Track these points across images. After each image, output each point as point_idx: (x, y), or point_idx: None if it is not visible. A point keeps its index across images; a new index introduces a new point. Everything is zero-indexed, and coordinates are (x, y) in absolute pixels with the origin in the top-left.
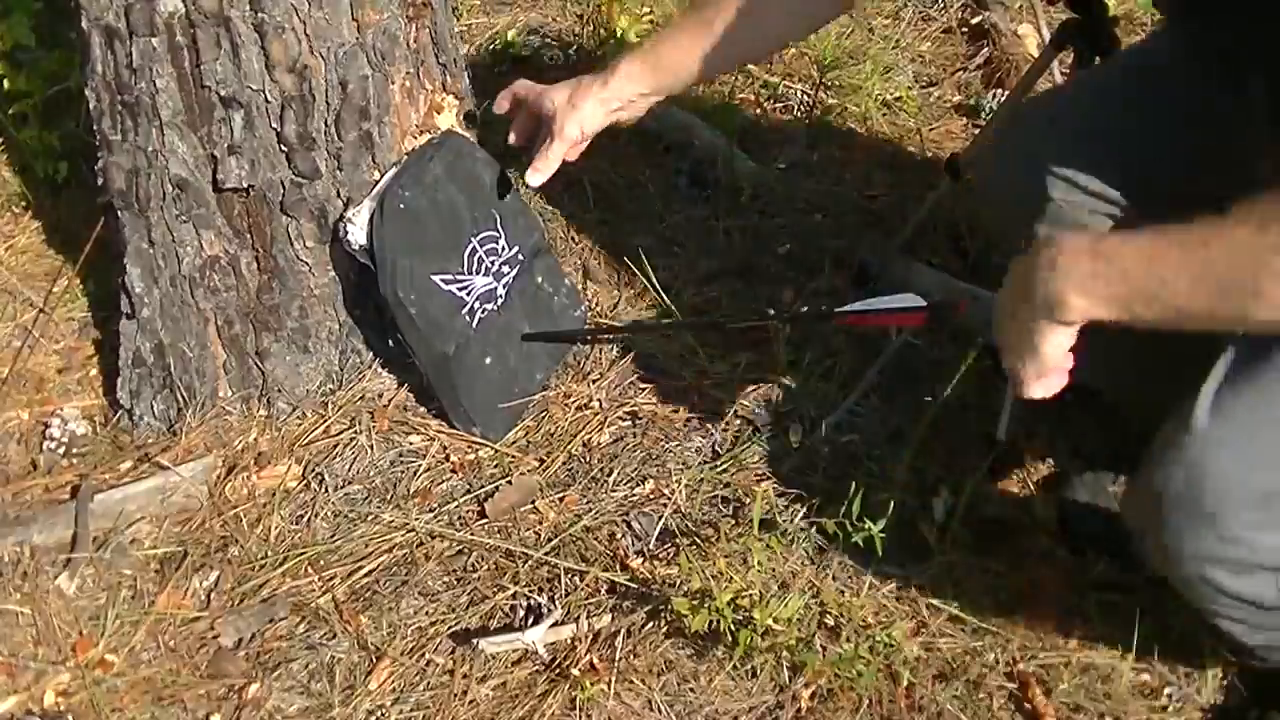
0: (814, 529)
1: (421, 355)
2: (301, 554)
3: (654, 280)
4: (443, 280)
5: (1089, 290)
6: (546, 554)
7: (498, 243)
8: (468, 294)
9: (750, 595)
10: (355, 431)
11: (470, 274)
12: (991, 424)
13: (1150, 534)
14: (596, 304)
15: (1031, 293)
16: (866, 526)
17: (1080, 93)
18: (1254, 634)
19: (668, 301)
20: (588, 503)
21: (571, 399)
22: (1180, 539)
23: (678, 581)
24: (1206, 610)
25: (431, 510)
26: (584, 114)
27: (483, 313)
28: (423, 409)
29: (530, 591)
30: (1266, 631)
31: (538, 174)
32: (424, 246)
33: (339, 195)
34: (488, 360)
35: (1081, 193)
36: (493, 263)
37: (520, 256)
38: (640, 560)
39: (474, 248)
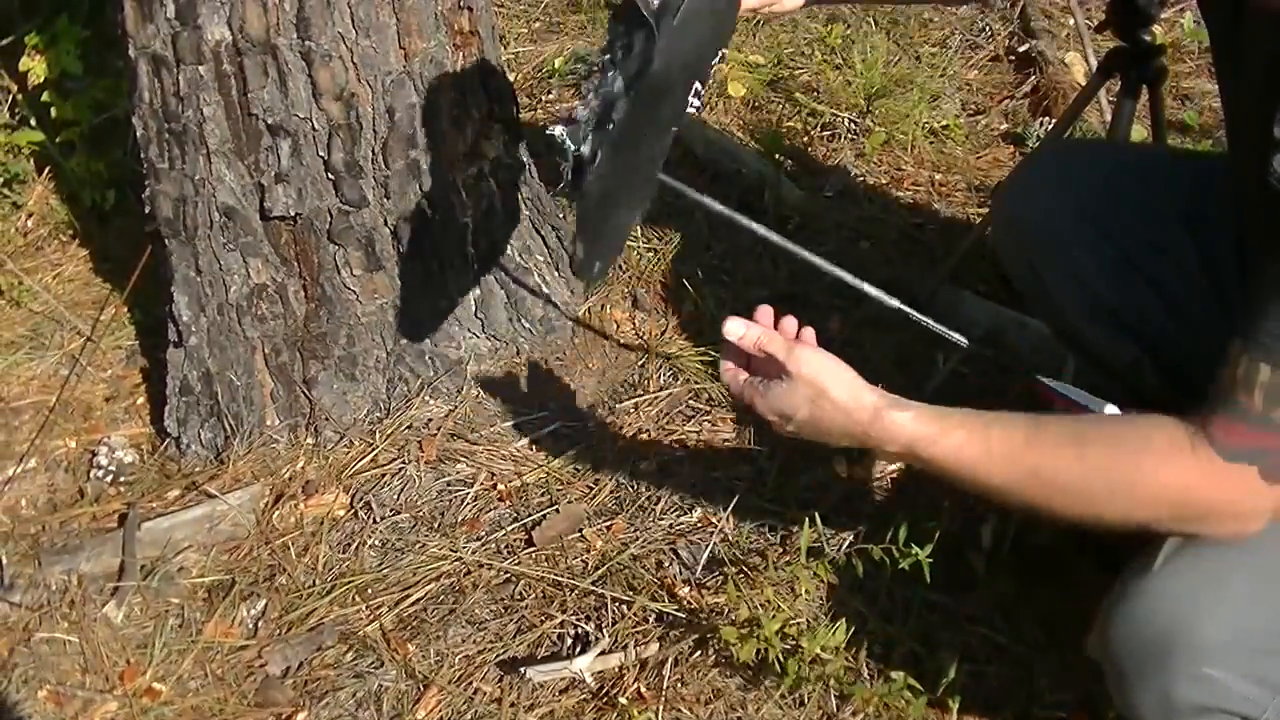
0: (862, 557)
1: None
2: (349, 583)
3: (708, 305)
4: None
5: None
6: (594, 582)
7: None
8: None
9: (798, 624)
10: (403, 460)
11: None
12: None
13: (1111, 676)
14: (646, 331)
15: (840, 436)
16: (914, 552)
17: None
18: None
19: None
20: (635, 531)
21: (620, 427)
22: (1142, 682)
23: (725, 610)
24: None
25: (479, 539)
26: None
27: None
28: (471, 436)
29: (578, 620)
30: None
31: None
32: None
33: (386, 223)
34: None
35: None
36: None
37: None
38: (688, 589)
39: None
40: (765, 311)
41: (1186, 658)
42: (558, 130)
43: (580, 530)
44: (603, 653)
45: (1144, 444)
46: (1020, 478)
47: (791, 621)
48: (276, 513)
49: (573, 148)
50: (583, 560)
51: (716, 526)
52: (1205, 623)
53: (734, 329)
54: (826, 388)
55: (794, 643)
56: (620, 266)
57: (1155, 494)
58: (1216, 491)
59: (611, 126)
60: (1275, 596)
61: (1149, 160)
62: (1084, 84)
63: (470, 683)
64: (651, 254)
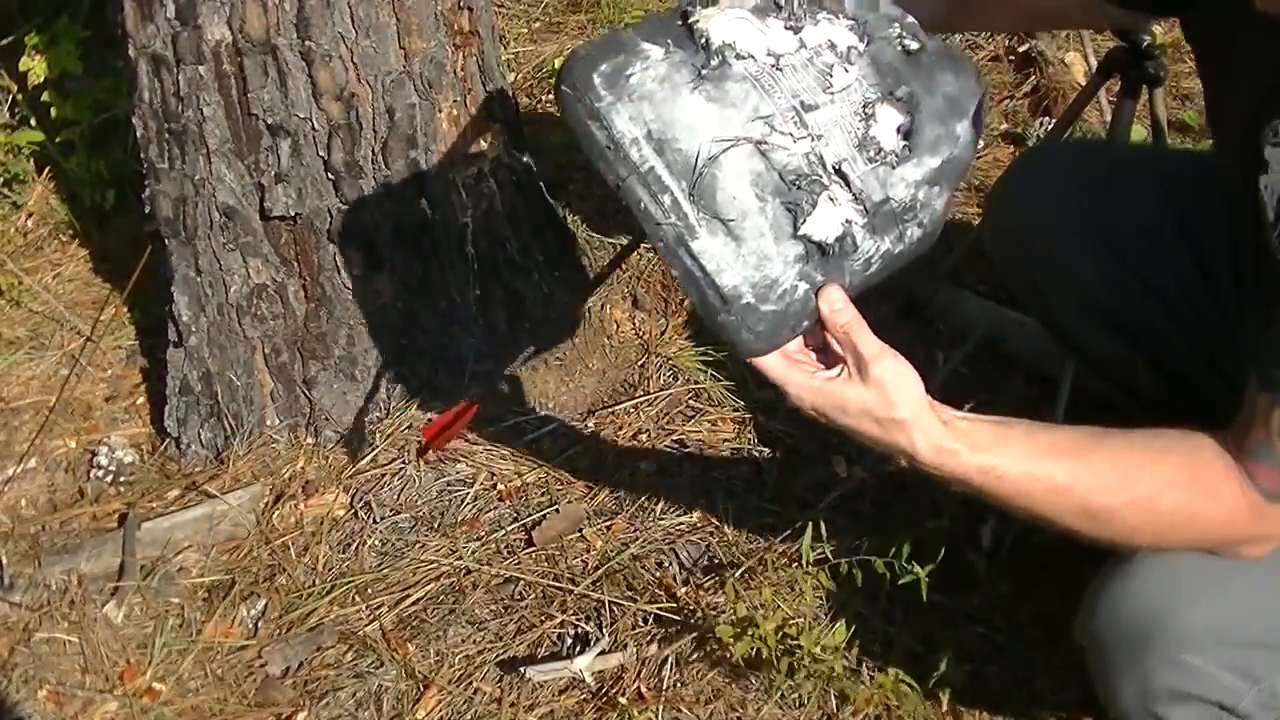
0: (862, 568)
1: None
2: (349, 582)
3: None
4: None
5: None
6: (594, 583)
7: None
8: None
9: (797, 623)
10: (403, 460)
11: None
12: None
13: (1093, 661)
14: (646, 331)
15: (877, 447)
16: (913, 569)
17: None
18: None
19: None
20: (635, 531)
21: (620, 427)
22: (1122, 667)
23: (725, 609)
24: None
25: (479, 539)
26: None
27: None
28: (471, 436)
29: (578, 620)
30: None
31: None
32: None
33: (385, 223)
34: None
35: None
36: None
37: None
38: (687, 589)
39: None
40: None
41: (1166, 644)
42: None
43: (580, 530)
44: (603, 653)
45: (1194, 485)
46: (1070, 513)
47: (791, 621)
48: (276, 513)
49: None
50: (583, 560)
51: (716, 527)
52: (1186, 610)
53: (835, 297)
54: (895, 408)
55: (793, 642)
56: (620, 266)
57: (1204, 532)
58: (1259, 527)
59: (903, 228)
60: (1257, 588)
61: (1141, 158)
62: (1084, 84)
63: (470, 683)
64: (652, 254)
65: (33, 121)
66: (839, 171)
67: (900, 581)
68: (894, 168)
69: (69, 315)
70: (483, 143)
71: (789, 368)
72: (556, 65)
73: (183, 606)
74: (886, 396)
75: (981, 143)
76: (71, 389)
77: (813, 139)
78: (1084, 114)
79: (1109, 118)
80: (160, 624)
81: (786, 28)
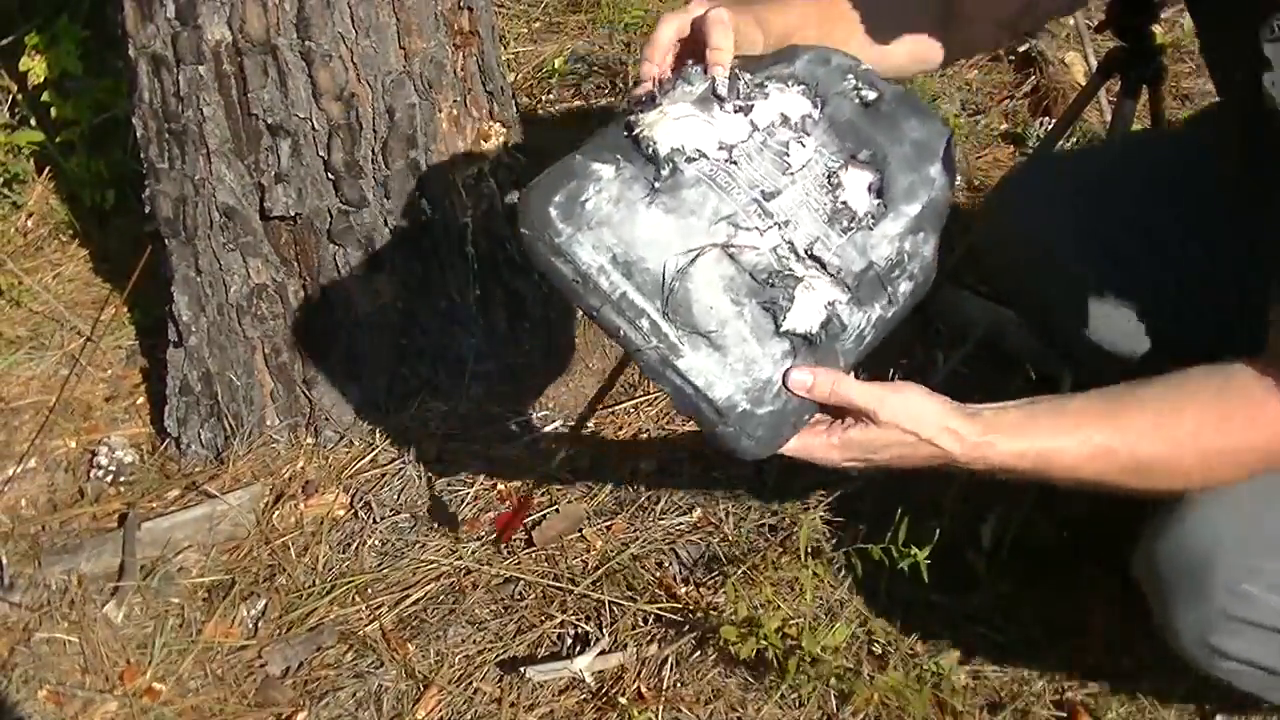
0: (861, 557)
1: None
2: (349, 582)
3: None
4: None
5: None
6: (594, 583)
7: None
8: None
9: (798, 623)
10: (403, 460)
11: None
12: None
13: (1152, 594)
14: None
15: (922, 467)
16: (912, 553)
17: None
18: (1271, 692)
19: None
20: (635, 531)
21: (620, 427)
22: (1182, 598)
23: (725, 609)
24: (1218, 677)
25: (479, 539)
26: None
27: None
28: (470, 437)
29: (578, 620)
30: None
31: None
32: None
33: (386, 223)
34: None
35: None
36: None
37: None
38: (687, 588)
39: None
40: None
41: (1227, 574)
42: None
43: (580, 530)
44: (603, 652)
45: (1231, 418)
46: (1117, 473)
47: (791, 621)
48: (276, 513)
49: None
50: (583, 560)
51: (717, 526)
52: (1247, 540)
53: (801, 380)
54: (919, 432)
55: (794, 642)
56: None
57: (1254, 458)
58: None
59: (892, 288)
60: None
61: (1131, 154)
62: (1084, 84)
63: (470, 683)
64: None
65: (33, 121)
66: (812, 256)
67: (900, 565)
68: (872, 229)
69: (69, 315)
70: (483, 143)
71: (805, 439)
72: (557, 65)
73: (183, 606)
74: (904, 429)
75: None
76: (71, 389)
77: (779, 227)
78: (1084, 114)
79: (1109, 118)
80: (160, 624)
81: (736, 110)
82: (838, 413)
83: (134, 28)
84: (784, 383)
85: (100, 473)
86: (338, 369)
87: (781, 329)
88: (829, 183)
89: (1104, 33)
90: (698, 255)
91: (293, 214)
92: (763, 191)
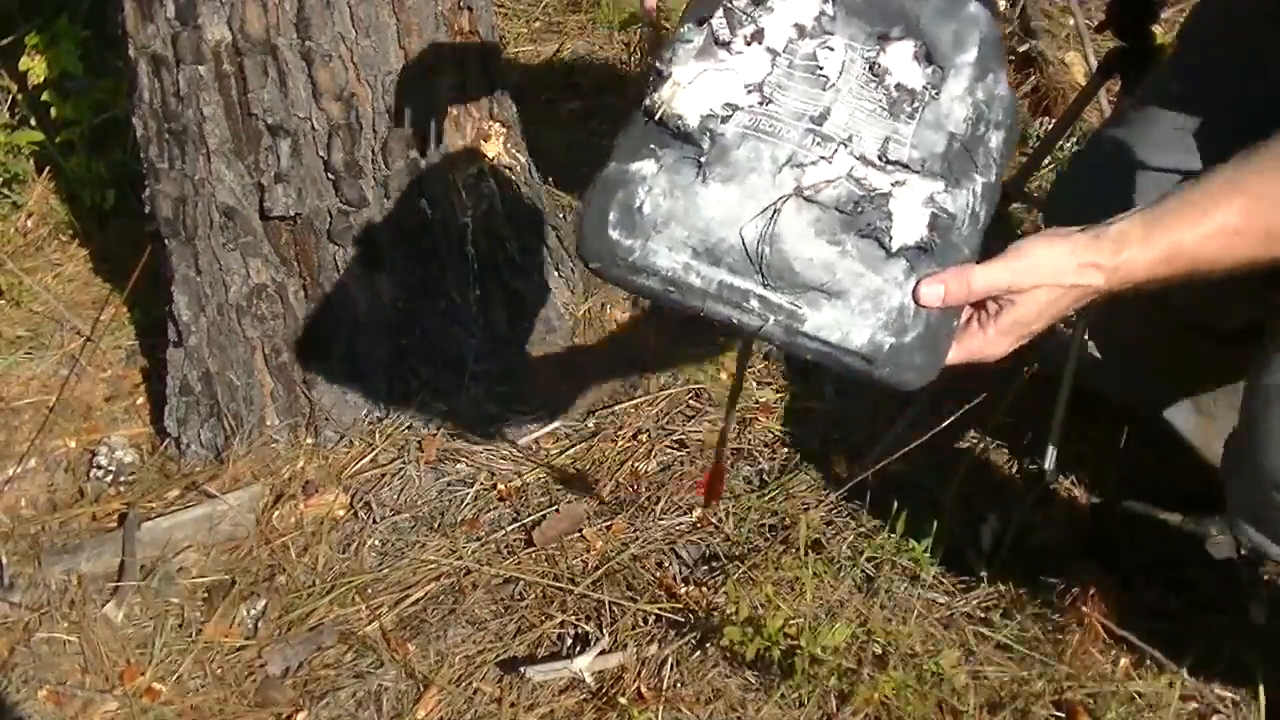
0: (862, 557)
1: None
2: (349, 583)
3: None
4: None
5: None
6: (594, 583)
7: None
8: None
9: (798, 623)
10: (403, 460)
11: None
12: (1039, 452)
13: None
14: (645, 331)
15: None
16: (912, 546)
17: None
18: None
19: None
20: (635, 531)
21: (620, 427)
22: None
23: (725, 610)
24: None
25: (479, 539)
26: None
27: None
28: (471, 436)
29: (578, 620)
30: None
31: None
32: None
33: (386, 223)
34: None
35: None
36: None
37: None
38: (687, 588)
39: None
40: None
41: None
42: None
43: (580, 530)
44: (603, 652)
45: None
46: (1258, 245)
47: (791, 621)
48: (276, 513)
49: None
50: (583, 560)
51: (717, 526)
52: None
53: (932, 293)
54: (1061, 282)
55: (793, 642)
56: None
57: None
58: None
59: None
60: None
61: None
62: (1084, 84)
63: (470, 683)
64: None
65: (33, 121)
66: (889, 160)
67: (899, 560)
68: (937, 97)
69: (69, 315)
70: (483, 143)
71: (965, 344)
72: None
73: (183, 606)
74: (1049, 287)
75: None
76: (71, 389)
77: (844, 146)
78: (1084, 114)
79: (1109, 118)
80: (160, 624)
81: (747, 43)
82: (980, 303)
83: (134, 28)
84: (917, 302)
85: (100, 473)
86: (338, 369)
87: (892, 249)
88: (873, 75)
89: (1104, 33)
90: (775, 212)
91: (293, 214)
92: (811, 118)
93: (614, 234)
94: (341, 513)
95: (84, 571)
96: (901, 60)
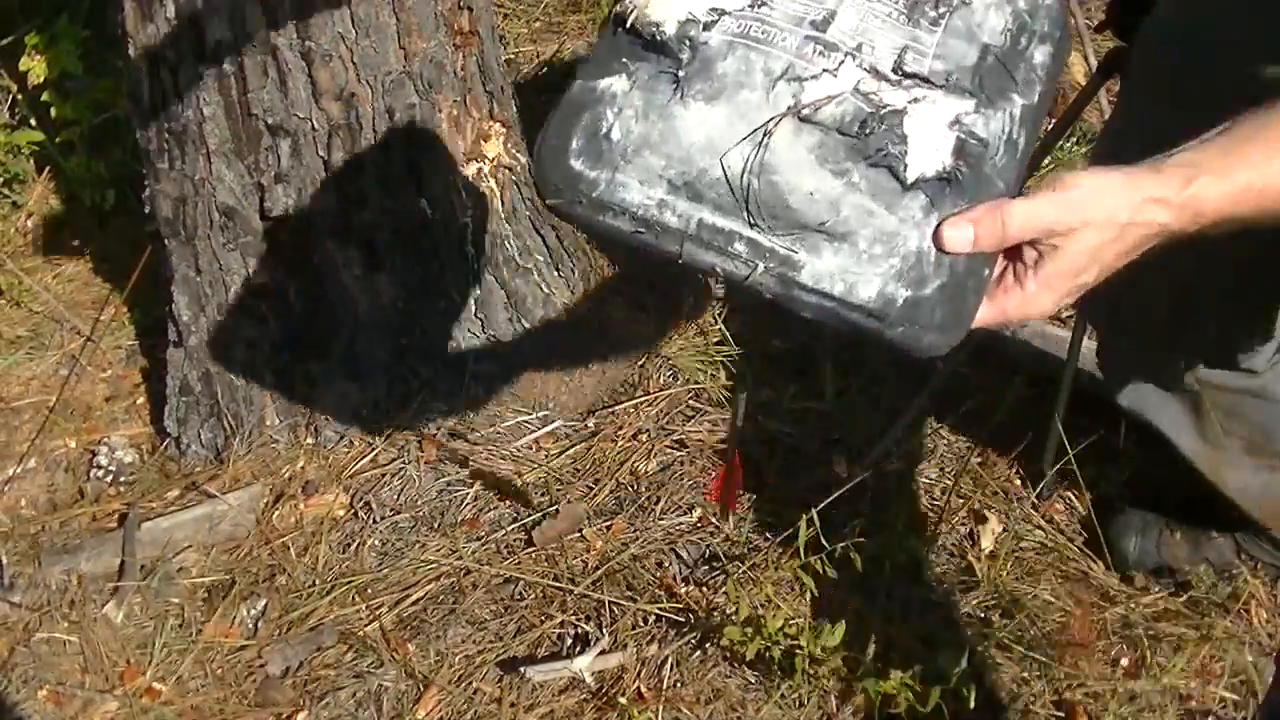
0: (862, 556)
1: None
2: (349, 583)
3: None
4: None
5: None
6: (594, 583)
7: None
8: None
9: (797, 623)
10: (403, 460)
11: None
12: (1038, 453)
13: None
14: (645, 331)
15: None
16: (912, 546)
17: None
18: None
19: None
20: (635, 531)
21: (620, 427)
22: None
23: (725, 609)
24: None
25: (479, 539)
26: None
27: None
28: (471, 436)
29: (578, 620)
30: None
31: None
32: None
33: (386, 223)
34: None
35: None
36: None
37: None
38: (687, 588)
39: None
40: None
41: None
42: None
43: (580, 530)
44: (603, 652)
45: None
46: None
47: (791, 621)
48: (276, 513)
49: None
50: (583, 560)
51: (716, 527)
52: None
53: (958, 236)
54: (1118, 218)
55: (793, 642)
56: (616, 266)
57: None
58: None
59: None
60: None
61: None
62: (1084, 84)
63: (470, 683)
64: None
65: (33, 121)
66: (906, 73)
67: (899, 557)
68: (969, 1)
69: (69, 315)
70: (483, 143)
71: (999, 301)
72: (557, 64)
73: (183, 606)
74: (1102, 226)
75: None
76: (71, 389)
77: (852, 56)
78: (1084, 114)
79: (1109, 118)
80: (160, 624)
81: None
82: (1017, 250)
83: (134, 28)
84: (938, 246)
85: (100, 473)
86: (338, 369)
87: (908, 181)
88: None
89: (1104, 33)
90: (766, 135)
91: (293, 214)
92: (812, 22)
93: (576, 164)
94: (341, 513)
95: (84, 571)
96: None
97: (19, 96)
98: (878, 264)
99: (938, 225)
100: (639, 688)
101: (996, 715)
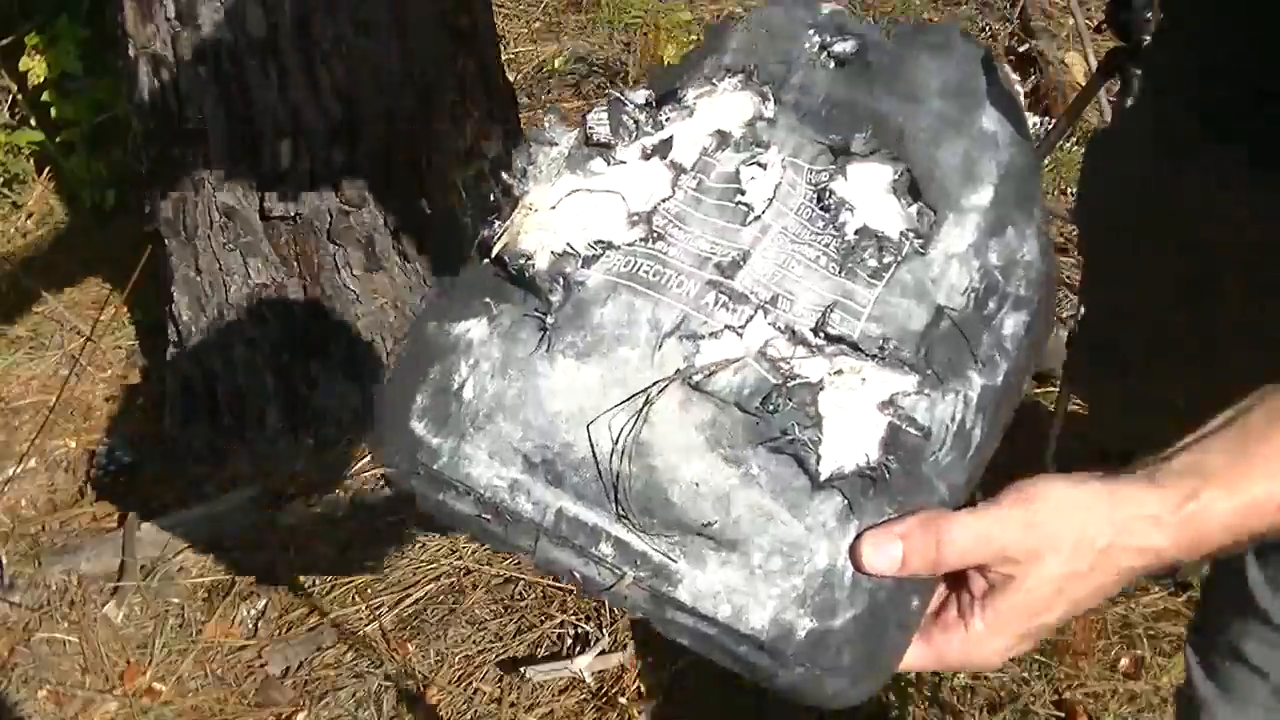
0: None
1: None
2: (349, 583)
3: None
4: None
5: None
6: None
7: None
8: None
9: None
10: None
11: None
12: (1041, 450)
13: None
14: None
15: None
16: None
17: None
18: None
19: None
20: None
21: None
22: None
23: None
24: None
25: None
26: None
27: None
28: None
29: (578, 620)
30: None
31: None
32: None
33: (386, 223)
34: None
35: None
36: None
37: None
38: None
39: None
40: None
41: None
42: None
43: None
44: (603, 653)
45: None
46: None
47: None
48: (276, 512)
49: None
50: None
51: None
52: None
53: (881, 556)
54: (1096, 543)
55: None
56: None
57: None
58: None
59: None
60: None
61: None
62: (1084, 84)
63: (470, 683)
64: None
65: (33, 121)
66: (831, 336)
67: None
68: (923, 251)
69: (69, 315)
70: (483, 142)
71: (933, 643)
72: (557, 65)
73: (183, 606)
74: (1065, 556)
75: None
76: (72, 389)
77: (764, 310)
78: (1084, 114)
79: (1109, 117)
80: (160, 624)
81: (646, 156)
82: (961, 575)
83: (134, 28)
84: (856, 565)
85: (100, 473)
86: (337, 369)
87: (820, 477)
88: (822, 209)
89: (1104, 33)
90: (646, 405)
91: (293, 214)
92: (719, 265)
93: (418, 427)
94: (341, 513)
95: (84, 571)
96: (869, 189)
97: (19, 96)
98: (774, 583)
99: (855, 538)
100: (639, 687)
101: (996, 715)
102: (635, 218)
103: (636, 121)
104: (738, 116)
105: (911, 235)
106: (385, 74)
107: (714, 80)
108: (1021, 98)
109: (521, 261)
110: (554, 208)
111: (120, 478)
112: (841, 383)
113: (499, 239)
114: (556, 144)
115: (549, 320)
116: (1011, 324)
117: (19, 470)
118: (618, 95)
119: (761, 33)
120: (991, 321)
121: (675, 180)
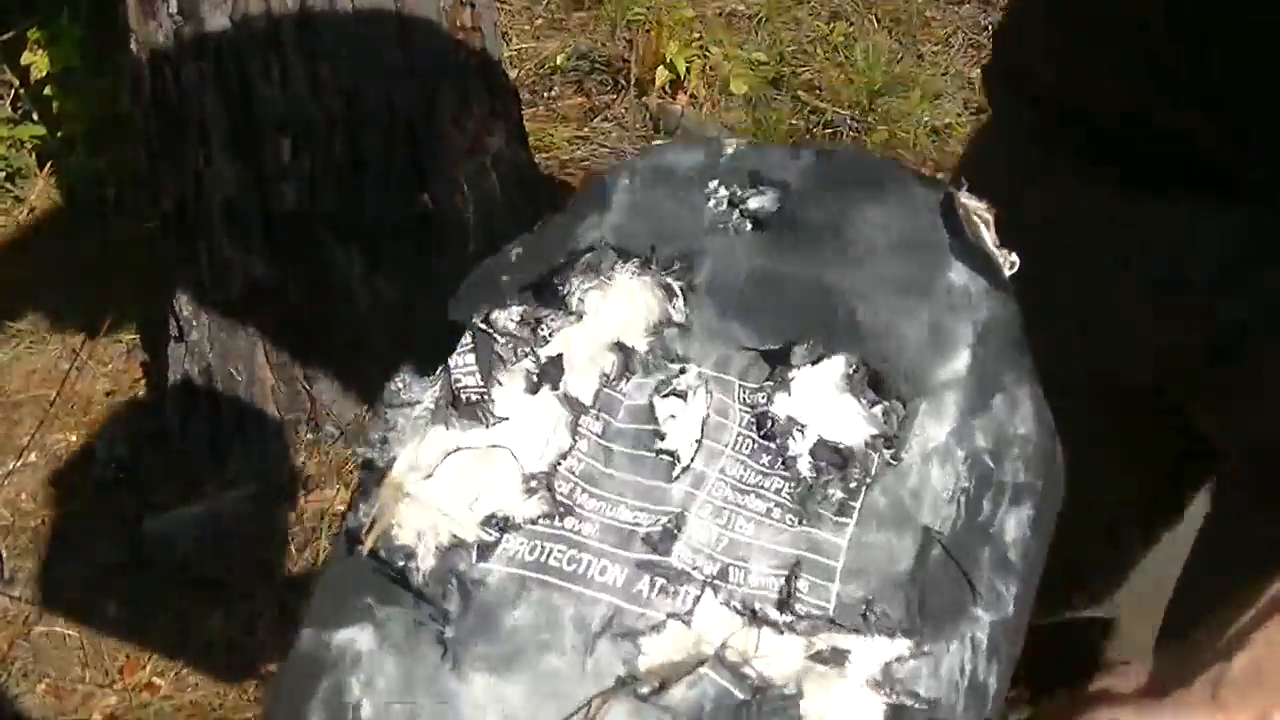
0: None
1: None
2: None
3: None
4: None
5: None
6: None
7: None
8: None
9: None
10: None
11: None
12: None
13: None
14: None
15: None
16: None
17: None
18: None
19: None
20: None
21: None
22: None
23: None
24: None
25: None
26: None
27: None
28: None
29: None
30: None
31: None
32: None
33: (386, 220)
34: None
35: None
36: None
37: None
38: None
39: None
40: None
41: None
42: None
43: None
44: None
45: None
46: None
47: None
48: (276, 508)
49: None
50: None
51: None
52: None
53: None
54: None
55: None
56: None
57: None
58: None
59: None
60: None
61: None
62: None
63: None
64: None
65: (35, 116)
66: (796, 613)
67: None
68: (897, 459)
69: (70, 310)
70: (485, 138)
71: None
72: (559, 62)
73: (182, 601)
74: None
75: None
76: (72, 384)
77: (712, 588)
78: None
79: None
80: (160, 619)
81: (533, 389)
82: None
83: (136, 22)
84: None
85: (100, 467)
86: (338, 365)
87: None
88: (763, 436)
89: None
90: None
91: (294, 210)
92: (647, 538)
93: None
94: (342, 508)
95: (84, 566)
96: (819, 394)
97: (21, 91)
98: None
99: None
100: None
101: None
102: (533, 482)
103: (514, 347)
104: (639, 320)
105: (880, 442)
106: (387, 70)
107: (602, 271)
108: (992, 226)
109: (402, 562)
110: (429, 476)
111: (120, 473)
112: (822, 678)
113: (369, 530)
114: (421, 399)
115: (447, 631)
116: (1014, 526)
117: (19, 464)
118: (482, 327)
119: (654, 192)
120: (989, 530)
121: (575, 425)
